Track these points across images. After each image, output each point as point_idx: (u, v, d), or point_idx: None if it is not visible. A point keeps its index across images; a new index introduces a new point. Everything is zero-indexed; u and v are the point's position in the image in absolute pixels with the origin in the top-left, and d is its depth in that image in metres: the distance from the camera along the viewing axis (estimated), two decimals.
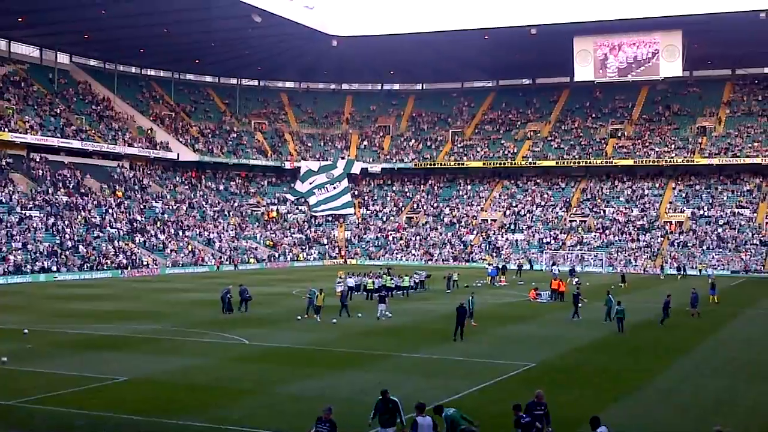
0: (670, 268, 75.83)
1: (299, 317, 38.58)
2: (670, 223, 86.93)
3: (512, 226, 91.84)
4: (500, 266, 70.28)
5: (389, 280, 50.71)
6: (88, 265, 68.44)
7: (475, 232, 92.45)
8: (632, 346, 31.93)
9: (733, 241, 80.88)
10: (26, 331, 33.57)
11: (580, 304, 39.97)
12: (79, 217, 75.81)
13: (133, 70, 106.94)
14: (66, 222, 73.70)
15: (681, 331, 36.46)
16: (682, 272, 73.18)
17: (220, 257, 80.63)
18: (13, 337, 32.22)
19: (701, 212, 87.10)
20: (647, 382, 24.97)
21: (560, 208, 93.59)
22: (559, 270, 68.38)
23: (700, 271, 73.41)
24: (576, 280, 59.76)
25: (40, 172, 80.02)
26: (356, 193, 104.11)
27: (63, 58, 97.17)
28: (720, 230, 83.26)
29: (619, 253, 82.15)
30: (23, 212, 71.83)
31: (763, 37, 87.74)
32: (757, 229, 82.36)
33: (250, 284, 47.17)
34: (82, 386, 23.53)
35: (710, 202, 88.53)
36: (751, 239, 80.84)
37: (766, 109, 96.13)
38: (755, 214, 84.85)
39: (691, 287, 44.59)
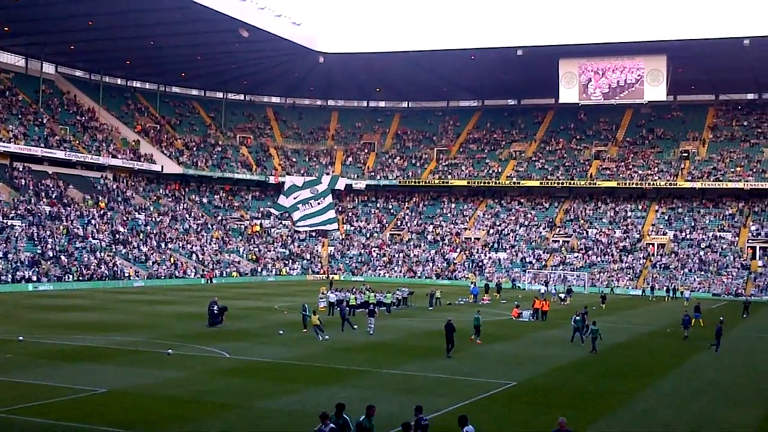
0: (659, 289, 75.93)
1: (281, 332, 38.46)
2: (653, 245, 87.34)
3: (495, 245, 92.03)
4: (484, 284, 70.73)
5: (372, 296, 50.67)
6: (69, 275, 68.04)
7: (458, 250, 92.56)
8: (614, 366, 31.99)
9: (715, 264, 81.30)
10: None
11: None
12: (61, 227, 75.41)
13: (119, 81, 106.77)
14: (48, 232, 73.28)
15: (661, 352, 36.57)
16: (671, 294, 73.28)
17: (211, 269, 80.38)
18: None
19: (683, 235, 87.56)
20: (628, 403, 25.01)
21: (543, 228, 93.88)
22: (547, 290, 68.74)
23: (677, 293, 73.61)
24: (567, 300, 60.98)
25: (23, 181, 79.61)
26: (340, 209, 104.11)
27: (49, 68, 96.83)
28: (702, 253, 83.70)
29: (602, 274, 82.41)
30: (5, 221, 71.39)
31: (746, 64, 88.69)
32: (739, 253, 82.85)
33: (231, 299, 47.03)
34: (60, 397, 23.36)
35: (692, 225, 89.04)
36: (733, 263, 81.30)
37: (748, 135, 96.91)
38: (737, 238, 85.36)
39: (683, 310, 44.97)
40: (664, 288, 75.64)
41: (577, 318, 38.40)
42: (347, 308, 48.36)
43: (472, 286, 65.91)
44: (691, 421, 23.06)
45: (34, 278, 65.27)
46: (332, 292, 51.90)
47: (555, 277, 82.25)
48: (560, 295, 65.10)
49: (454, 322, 33.71)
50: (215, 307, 40.91)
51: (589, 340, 35.40)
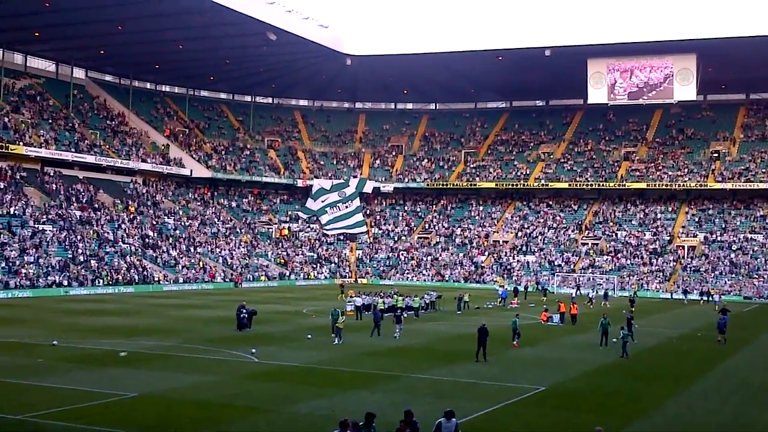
0: (693, 293, 75.08)
1: (309, 336, 38.49)
2: (683, 247, 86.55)
3: (524, 248, 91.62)
4: (513, 288, 70.59)
5: (400, 300, 50.62)
6: (100, 280, 68.58)
7: (486, 253, 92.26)
8: (644, 370, 31.71)
9: (746, 267, 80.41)
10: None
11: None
12: (92, 231, 76.02)
13: (148, 86, 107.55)
14: (78, 236, 73.90)
15: (693, 356, 36.23)
16: (705, 298, 72.26)
17: (239, 273, 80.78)
18: (24, 351, 32.30)
19: (714, 237, 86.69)
20: (658, 407, 24.78)
21: (572, 231, 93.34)
22: (579, 293, 68.53)
23: (711, 296, 72.90)
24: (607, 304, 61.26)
25: (54, 186, 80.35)
26: (368, 212, 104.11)
27: (79, 73, 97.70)
28: (732, 255, 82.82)
29: (631, 277, 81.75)
30: (36, 226, 72.09)
31: None
32: None
33: (259, 302, 47.15)
34: (91, 402, 23.51)
35: (723, 226, 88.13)
36: (764, 265, 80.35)
37: None
38: None
39: (719, 313, 44.69)
40: (698, 291, 74.80)
41: (604, 321, 38.17)
42: (374, 313, 48.37)
43: (501, 289, 65.65)
44: (722, 424, 22.83)
45: (65, 282, 65.84)
46: (359, 296, 51.96)
47: (585, 280, 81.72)
48: (590, 296, 64.99)
49: (488, 326, 33.51)
50: (244, 312, 41.06)
51: (620, 344, 35.02)
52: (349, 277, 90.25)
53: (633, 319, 40.80)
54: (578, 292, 71.57)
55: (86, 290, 66.05)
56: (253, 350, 33.09)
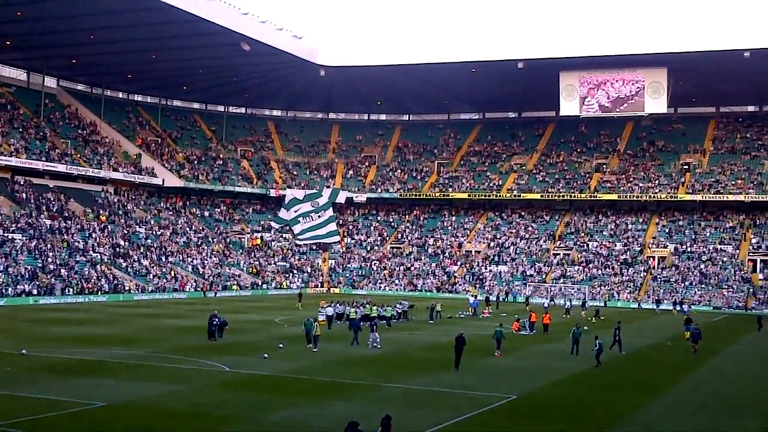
0: (663, 302, 75.81)
1: (281, 345, 38.39)
2: (653, 258, 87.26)
3: (496, 258, 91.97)
4: (485, 297, 70.96)
5: (373, 309, 50.60)
6: (70, 289, 68.02)
7: (459, 263, 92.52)
8: (615, 380, 31.94)
9: (716, 278, 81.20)
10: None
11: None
12: (62, 240, 75.43)
13: (121, 95, 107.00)
14: (49, 245, 73.28)
15: (663, 366, 36.51)
16: (678, 308, 72.83)
17: (209, 283, 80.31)
18: None
19: (684, 248, 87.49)
20: (630, 416, 24.95)
21: (544, 241, 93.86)
22: (551, 303, 68.96)
23: (674, 304, 73.57)
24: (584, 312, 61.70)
25: (24, 195, 79.66)
26: (341, 222, 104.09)
27: (50, 82, 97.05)
28: (702, 266, 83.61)
29: (602, 287, 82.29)
30: (5, 235, 71.41)
31: (747, 76, 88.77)
32: (740, 266, 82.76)
33: (232, 312, 46.98)
34: (61, 411, 23.31)
35: (693, 238, 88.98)
36: (733, 276, 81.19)
37: (749, 147, 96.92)
38: (737, 251, 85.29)
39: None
40: (669, 302, 75.40)
41: (576, 330, 38.40)
42: (347, 322, 48.35)
43: (473, 299, 65.81)
44: None
45: (35, 291, 65.24)
46: (329, 306, 51.86)
47: (556, 290, 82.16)
48: (566, 306, 65.46)
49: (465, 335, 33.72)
50: (216, 321, 40.88)
51: (594, 354, 35.11)
52: (321, 287, 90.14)
53: (620, 330, 40.80)
54: (551, 302, 71.94)
55: (56, 299, 65.46)
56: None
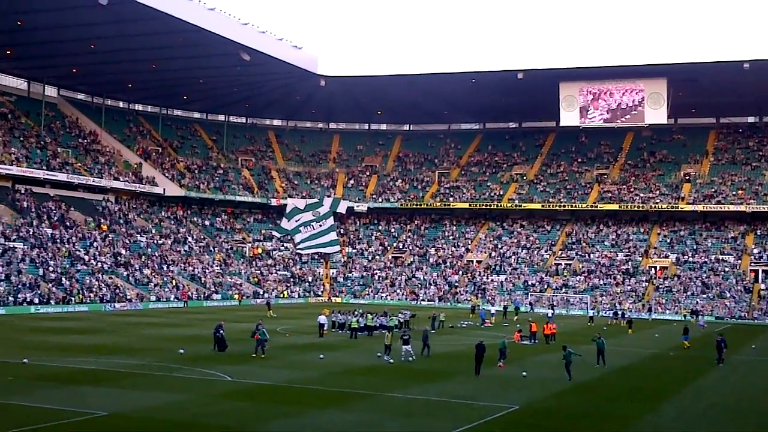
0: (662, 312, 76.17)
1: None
2: (655, 268, 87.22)
3: (497, 268, 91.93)
4: (503, 307, 72.52)
5: (371, 319, 50.62)
6: (71, 298, 68.00)
7: (460, 272, 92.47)
8: (617, 390, 31.88)
9: (717, 287, 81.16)
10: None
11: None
12: (63, 249, 75.44)
13: (121, 104, 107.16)
14: (50, 254, 73.31)
15: (665, 376, 36.44)
16: (692, 317, 72.66)
17: (184, 289, 79.43)
18: None
19: (685, 258, 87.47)
20: (631, 426, 24.92)
21: (545, 251, 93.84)
22: (554, 313, 69.00)
23: (685, 316, 73.47)
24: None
25: (25, 204, 79.71)
26: (342, 231, 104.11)
27: (51, 92, 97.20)
28: (704, 276, 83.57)
29: (604, 297, 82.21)
30: (6, 244, 71.43)
31: (747, 87, 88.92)
32: (741, 276, 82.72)
33: (233, 321, 46.91)
34: (62, 420, 23.28)
35: (694, 248, 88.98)
36: (735, 286, 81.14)
37: (749, 158, 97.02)
38: (739, 261, 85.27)
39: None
40: (686, 313, 75.42)
41: (599, 339, 38.34)
42: (349, 331, 48.45)
43: (491, 308, 66.34)
44: None
45: (36, 300, 65.21)
46: (338, 314, 52.49)
47: (558, 300, 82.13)
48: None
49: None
50: (221, 332, 40.48)
51: (564, 364, 34.17)
52: (325, 296, 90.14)
53: (724, 342, 40.49)
54: (553, 311, 71.90)
55: (57, 308, 65.44)
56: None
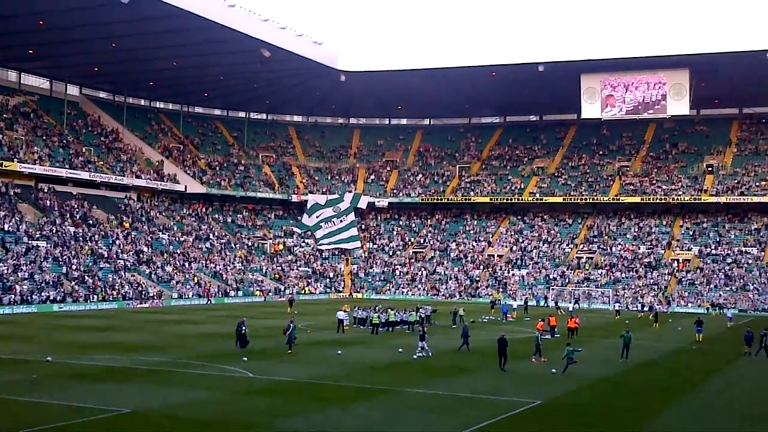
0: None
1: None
2: (678, 260, 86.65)
3: (519, 262, 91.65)
4: (524, 301, 72.26)
5: (393, 314, 50.63)
6: (94, 296, 68.42)
7: (481, 267, 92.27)
8: (639, 384, 31.68)
9: (741, 280, 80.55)
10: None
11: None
12: (86, 247, 75.91)
13: (142, 102, 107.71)
14: (72, 252, 73.77)
15: (687, 369, 36.21)
16: (717, 310, 72.41)
17: (206, 287, 79.67)
18: (17, 368, 32.17)
19: (708, 250, 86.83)
20: (653, 420, 24.75)
21: (567, 245, 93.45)
22: (577, 307, 68.81)
23: (708, 309, 73.11)
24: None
25: (48, 202, 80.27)
26: (363, 227, 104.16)
27: (73, 90, 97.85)
28: (727, 268, 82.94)
29: (626, 290, 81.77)
30: (30, 242, 71.95)
31: None
32: (765, 268, 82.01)
33: (255, 317, 47.01)
34: (84, 418, 23.38)
35: (717, 240, 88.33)
36: (759, 278, 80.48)
37: None
38: (763, 253, 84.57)
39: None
40: (707, 306, 75.15)
41: (626, 334, 38.14)
42: (371, 327, 48.51)
43: (513, 302, 66.29)
44: None
45: (59, 298, 65.67)
46: (360, 309, 52.90)
47: (580, 293, 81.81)
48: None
49: (507, 336, 34.50)
50: (244, 328, 40.46)
51: (565, 362, 33.64)
52: (346, 292, 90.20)
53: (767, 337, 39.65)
54: (576, 305, 71.67)
55: (80, 306, 65.86)
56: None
